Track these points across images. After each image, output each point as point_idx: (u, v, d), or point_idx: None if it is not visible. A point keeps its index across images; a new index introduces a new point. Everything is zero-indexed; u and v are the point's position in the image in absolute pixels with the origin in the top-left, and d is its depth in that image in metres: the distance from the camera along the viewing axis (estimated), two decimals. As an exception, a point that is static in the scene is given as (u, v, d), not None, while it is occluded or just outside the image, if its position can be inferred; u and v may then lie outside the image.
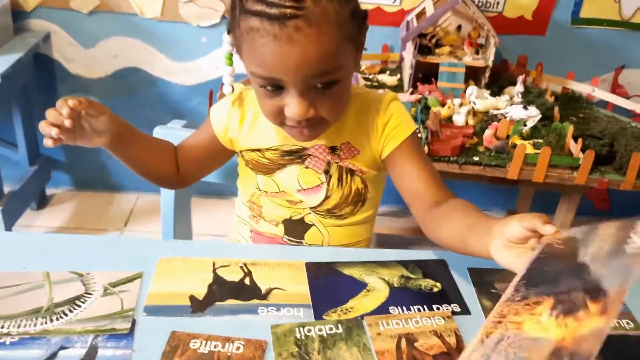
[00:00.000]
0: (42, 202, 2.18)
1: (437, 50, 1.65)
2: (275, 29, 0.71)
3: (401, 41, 1.68)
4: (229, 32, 0.83)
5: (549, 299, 0.57)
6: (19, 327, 0.70)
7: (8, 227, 1.89)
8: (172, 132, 1.07)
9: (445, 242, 0.83)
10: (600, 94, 1.70)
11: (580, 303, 0.55)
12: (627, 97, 1.94)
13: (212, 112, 0.96)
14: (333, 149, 0.91)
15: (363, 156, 0.92)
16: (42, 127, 0.80)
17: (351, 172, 0.93)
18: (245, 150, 0.94)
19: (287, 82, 0.76)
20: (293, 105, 0.77)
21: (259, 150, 0.93)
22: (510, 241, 0.66)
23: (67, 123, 0.78)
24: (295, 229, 0.97)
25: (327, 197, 0.94)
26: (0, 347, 0.67)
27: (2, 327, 0.70)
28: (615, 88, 1.96)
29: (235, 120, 0.93)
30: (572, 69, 1.84)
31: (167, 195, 1.14)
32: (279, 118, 0.82)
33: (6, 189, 1.92)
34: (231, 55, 0.86)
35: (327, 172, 0.92)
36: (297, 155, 0.92)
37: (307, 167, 0.92)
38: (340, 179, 0.93)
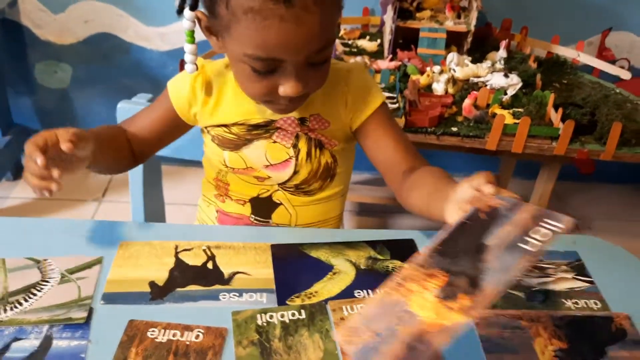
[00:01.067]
0: (18, 172, 2.15)
1: (417, 15, 1.60)
2: (282, 10, 0.67)
3: (380, 5, 1.62)
4: (192, 8, 0.77)
5: (444, 276, 0.55)
6: (-30, 318, 0.68)
7: (-17, 199, 1.86)
8: (137, 108, 1.03)
9: (415, 209, 0.82)
10: (585, 58, 1.66)
11: (459, 291, 0.53)
12: (614, 60, 1.90)
13: (171, 88, 0.91)
14: (302, 121, 0.88)
15: (334, 128, 0.90)
16: (35, 185, 0.72)
17: (320, 145, 0.91)
18: (210, 126, 0.91)
19: (286, 62, 0.73)
20: (291, 85, 0.74)
21: (225, 125, 0.90)
22: (462, 203, 0.63)
23: (56, 175, 0.71)
24: (263, 208, 0.95)
25: (295, 172, 0.91)
26: (-50, 340, 0.65)
27: (-46, 318, 0.68)
28: (602, 51, 1.91)
29: (200, 95, 0.89)
30: (558, 31, 1.79)
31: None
32: (266, 97, 0.79)
33: (-21, 159, 1.88)
34: (192, 32, 0.81)
35: (295, 146, 0.90)
36: (264, 129, 0.89)
37: (274, 142, 0.89)
38: (309, 153, 0.90)
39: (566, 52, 1.70)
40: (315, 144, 0.90)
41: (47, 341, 0.66)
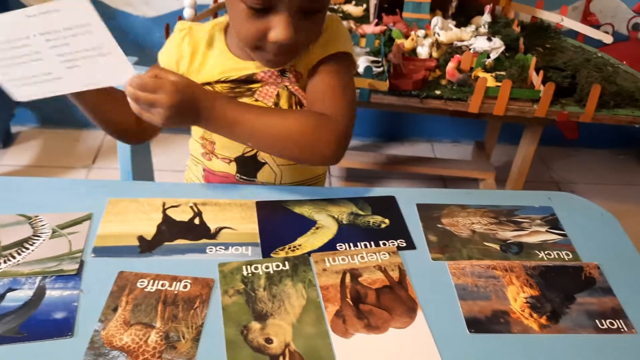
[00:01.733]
0: (8, 140, 2.15)
1: (403, -21, 1.60)
2: None
3: (366, -31, 1.63)
4: None
5: (537, 291, 0.77)
6: (-34, 270, 0.71)
7: (-27, 167, 1.87)
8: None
9: None
10: (569, 23, 1.68)
11: (544, 311, 0.73)
12: (598, 25, 1.92)
13: (161, 55, 0.94)
14: (282, 72, 0.90)
15: (304, 79, 0.91)
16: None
17: (301, 104, 0.92)
18: None
19: (280, 4, 0.75)
20: (281, 28, 0.76)
21: (208, 83, 0.91)
22: None
23: None
24: (248, 166, 0.97)
25: None
26: (-53, 291, 0.68)
27: (-51, 271, 0.70)
28: (587, 16, 1.93)
29: (187, 54, 0.91)
30: (543, -4, 1.80)
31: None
32: (257, 41, 0.80)
33: (-32, 127, 1.89)
34: None
35: (276, 104, 0.91)
36: (246, 88, 0.90)
37: (256, 100, 0.91)
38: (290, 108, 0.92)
39: (550, 17, 1.72)
40: (295, 101, 0.92)
41: (40, 291, 0.69)
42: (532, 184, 2.13)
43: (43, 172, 2.03)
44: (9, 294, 0.68)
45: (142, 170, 1.22)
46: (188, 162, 1.06)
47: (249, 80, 0.90)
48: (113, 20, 1.98)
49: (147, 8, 1.96)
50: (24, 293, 0.68)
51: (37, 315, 0.66)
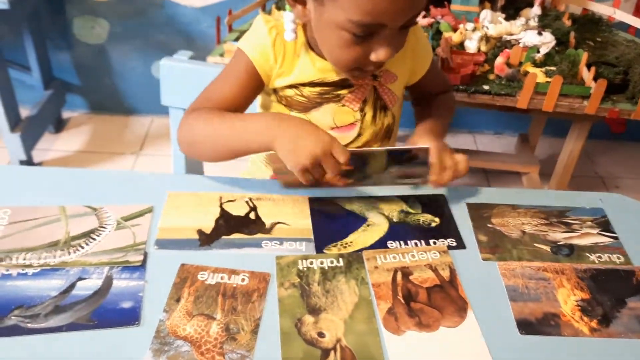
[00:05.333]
0: (59, 125, 2.23)
1: (452, -29, 1.59)
2: None
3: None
4: None
5: (588, 293, 0.78)
6: (39, 259, 0.75)
7: (28, 151, 1.95)
8: (179, 65, 1.08)
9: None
10: (621, 15, 1.64)
11: (595, 315, 0.74)
12: (652, 17, 1.86)
13: (249, 49, 0.90)
14: (374, 76, 0.93)
15: (400, 82, 0.96)
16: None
17: (384, 107, 0.95)
18: (282, 87, 0.93)
19: (386, 27, 0.75)
20: (385, 49, 0.77)
21: (299, 85, 0.92)
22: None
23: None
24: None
25: (359, 135, 0.96)
26: (23, 278, 0.72)
27: (24, 258, 0.75)
28: (640, 7, 1.88)
29: (280, 54, 0.90)
30: (595, -13, 1.76)
31: (176, 114, 1.15)
32: (357, 64, 0.81)
33: (23, 112, 1.96)
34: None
35: (362, 109, 0.94)
36: (334, 94, 0.92)
37: (343, 105, 0.93)
38: (374, 116, 0.95)
39: (602, 9, 1.68)
40: (380, 106, 0.95)
41: (108, 281, 0.73)
42: (577, 178, 2.10)
43: (93, 158, 2.10)
44: (79, 283, 0.72)
45: (192, 159, 1.25)
46: (249, 165, 1.08)
47: (343, 84, 0.92)
48: (162, 9, 2.02)
49: (194, -2, 2.00)
50: (93, 282, 0.72)
51: (106, 304, 0.70)
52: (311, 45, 0.90)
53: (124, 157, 2.12)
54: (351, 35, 0.76)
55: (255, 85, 0.91)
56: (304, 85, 0.92)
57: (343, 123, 0.94)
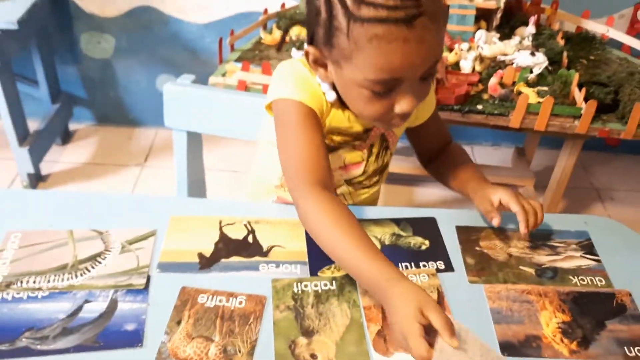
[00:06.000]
0: (66, 137, 2.28)
1: (448, -9, 1.63)
2: (404, 32, 0.70)
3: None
4: (309, 43, 0.81)
5: (569, 316, 0.81)
6: (48, 282, 0.79)
7: (36, 164, 2.00)
8: (183, 89, 1.12)
9: (443, 182, 1.04)
10: (615, 34, 1.67)
11: (575, 336, 0.77)
12: (646, 33, 1.90)
13: (305, 98, 0.86)
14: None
15: (403, 127, 1.00)
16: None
17: (387, 147, 1.00)
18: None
19: (405, 80, 0.76)
20: (408, 101, 0.77)
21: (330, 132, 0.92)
22: (491, 205, 0.90)
23: None
24: None
25: (363, 172, 1.00)
26: (33, 301, 0.76)
27: (34, 282, 0.79)
28: (634, 23, 1.91)
29: (323, 100, 0.88)
30: (590, 4, 1.80)
31: (179, 136, 1.19)
32: (383, 116, 0.81)
33: (31, 124, 2.01)
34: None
35: (370, 149, 0.98)
36: (351, 139, 0.94)
37: (354, 147, 0.96)
38: (378, 155, 0.99)
39: (596, 27, 1.71)
40: (384, 146, 0.99)
41: (113, 304, 0.77)
42: (572, 190, 2.13)
43: (98, 170, 2.15)
44: (86, 306, 0.76)
45: (195, 172, 1.29)
46: (252, 190, 1.11)
47: (362, 137, 0.95)
48: (166, 25, 2.07)
49: (198, 15, 2.04)
50: (99, 305, 0.76)
51: (111, 326, 0.74)
52: (341, 100, 0.88)
53: (128, 168, 2.17)
54: (371, 92, 0.77)
55: (319, 123, 0.87)
56: (332, 132, 0.92)
57: (351, 162, 0.98)
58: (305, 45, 0.84)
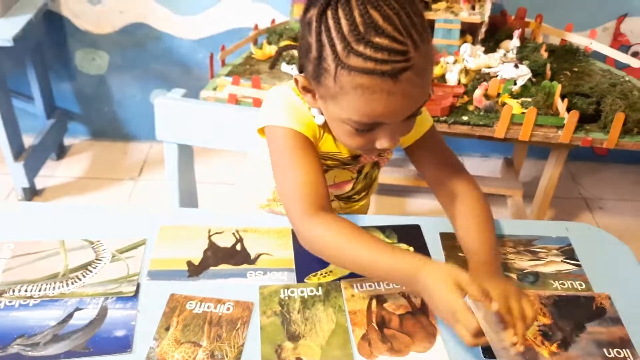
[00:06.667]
0: (61, 152, 2.30)
1: (433, 6, 1.67)
2: (389, 85, 0.70)
3: (399, -3, 1.70)
4: (301, 71, 0.83)
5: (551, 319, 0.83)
6: (39, 290, 0.81)
7: (31, 179, 2.02)
8: (173, 103, 1.14)
9: (456, 232, 0.91)
10: (597, 46, 1.71)
11: (554, 339, 0.79)
12: (629, 46, 1.94)
13: (295, 124, 0.87)
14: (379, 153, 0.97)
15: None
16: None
17: (377, 165, 1.01)
18: None
19: (388, 123, 0.77)
20: (389, 139, 0.79)
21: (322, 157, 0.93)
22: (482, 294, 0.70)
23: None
24: None
25: (352, 189, 1.02)
26: (24, 309, 0.78)
27: (26, 290, 0.81)
28: (617, 36, 1.95)
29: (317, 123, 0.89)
30: (574, 17, 1.84)
31: (170, 148, 1.22)
32: (365, 149, 0.84)
33: (26, 140, 2.03)
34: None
35: (360, 170, 1.00)
36: (341, 163, 0.96)
37: (344, 168, 0.98)
38: (367, 174, 1.01)
39: (579, 40, 1.75)
40: (373, 165, 1.01)
41: (103, 311, 0.79)
42: (561, 200, 2.16)
43: (93, 184, 2.16)
44: (76, 313, 0.78)
45: (187, 185, 1.31)
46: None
47: (351, 162, 0.96)
48: (160, 42, 2.11)
49: (191, 31, 2.08)
50: (90, 312, 0.78)
51: (101, 333, 0.75)
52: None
53: (123, 182, 2.18)
54: (354, 128, 0.78)
55: (314, 148, 0.89)
56: (322, 157, 0.93)
57: (341, 180, 1.00)
58: (296, 72, 0.85)
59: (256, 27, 1.80)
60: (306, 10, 0.77)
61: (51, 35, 2.10)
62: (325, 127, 0.89)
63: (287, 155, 0.85)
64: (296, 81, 0.84)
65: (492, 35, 1.70)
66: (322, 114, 0.86)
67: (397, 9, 0.70)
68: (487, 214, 0.90)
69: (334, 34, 0.72)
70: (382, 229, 0.96)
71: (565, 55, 1.70)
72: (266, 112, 0.90)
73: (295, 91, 0.89)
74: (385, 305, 0.82)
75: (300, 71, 0.84)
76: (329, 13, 0.72)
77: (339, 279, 0.85)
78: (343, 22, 0.71)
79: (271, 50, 1.72)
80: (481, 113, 1.41)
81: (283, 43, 1.71)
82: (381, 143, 0.79)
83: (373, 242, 0.78)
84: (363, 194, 1.05)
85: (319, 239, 0.81)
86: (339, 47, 0.71)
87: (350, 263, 0.80)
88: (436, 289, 0.70)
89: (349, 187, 1.01)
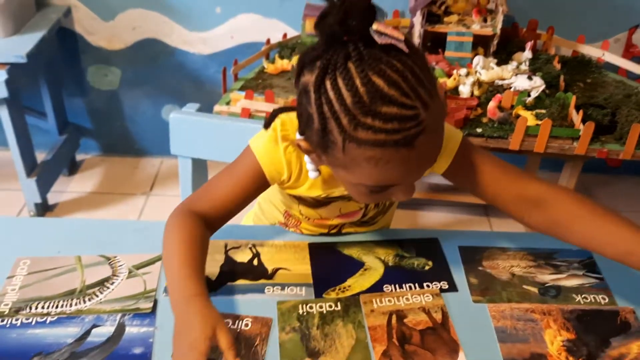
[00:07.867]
0: (73, 168, 2.31)
1: (445, 19, 1.67)
2: (403, 153, 0.66)
3: (410, 11, 1.70)
4: (302, 134, 0.76)
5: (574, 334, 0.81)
6: (56, 307, 0.80)
7: (43, 195, 2.02)
8: (188, 117, 1.14)
9: (578, 244, 0.85)
10: (610, 57, 1.70)
11: (579, 355, 0.77)
12: (641, 56, 1.93)
13: (261, 156, 0.86)
14: None
15: None
16: None
17: None
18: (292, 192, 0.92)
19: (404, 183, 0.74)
20: (404, 194, 0.76)
21: (301, 198, 0.93)
22: None
23: None
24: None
25: (364, 216, 0.98)
26: (42, 326, 0.77)
27: (43, 307, 0.80)
28: (629, 47, 1.95)
29: (295, 172, 0.87)
30: (585, 29, 1.83)
31: (184, 163, 1.21)
32: (381, 201, 0.83)
33: (38, 156, 2.04)
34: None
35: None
36: (348, 199, 0.93)
37: (349, 200, 0.93)
38: (378, 203, 0.97)
39: (592, 51, 1.75)
40: None
41: (120, 327, 0.78)
42: (576, 212, 2.13)
43: (105, 199, 2.17)
44: (94, 330, 0.77)
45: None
46: (258, 211, 1.12)
47: (348, 197, 0.91)
48: (172, 57, 2.12)
49: (203, 46, 2.09)
50: (107, 329, 0.78)
51: (119, 350, 0.75)
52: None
53: (134, 197, 2.19)
54: (367, 189, 0.74)
55: (259, 186, 0.88)
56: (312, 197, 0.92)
57: (348, 211, 0.96)
58: (297, 136, 0.79)
59: (268, 41, 1.81)
60: (300, 72, 0.71)
61: (64, 52, 2.12)
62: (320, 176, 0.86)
63: (231, 170, 0.88)
64: (299, 146, 0.77)
65: (504, 48, 1.70)
66: (318, 170, 0.83)
67: (401, 70, 0.64)
68: (604, 207, 0.87)
69: (336, 106, 0.65)
70: (400, 242, 0.95)
71: (578, 66, 1.70)
72: (259, 134, 0.88)
73: (281, 132, 0.85)
74: (405, 320, 0.80)
75: (302, 133, 0.76)
76: (328, 84, 0.66)
77: (358, 293, 0.85)
78: (345, 93, 0.64)
79: (283, 64, 1.72)
80: (495, 125, 1.40)
81: (294, 59, 1.71)
82: (398, 197, 0.76)
83: (189, 263, 0.79)
84: (380, 217, 1.01)
85: (168, 229, 0.84)
86: (344, 120, 0.65)
87: (165, 261, 0.82)
88: (196, 327, 0.71)
89: (358, 215, 0.97)
